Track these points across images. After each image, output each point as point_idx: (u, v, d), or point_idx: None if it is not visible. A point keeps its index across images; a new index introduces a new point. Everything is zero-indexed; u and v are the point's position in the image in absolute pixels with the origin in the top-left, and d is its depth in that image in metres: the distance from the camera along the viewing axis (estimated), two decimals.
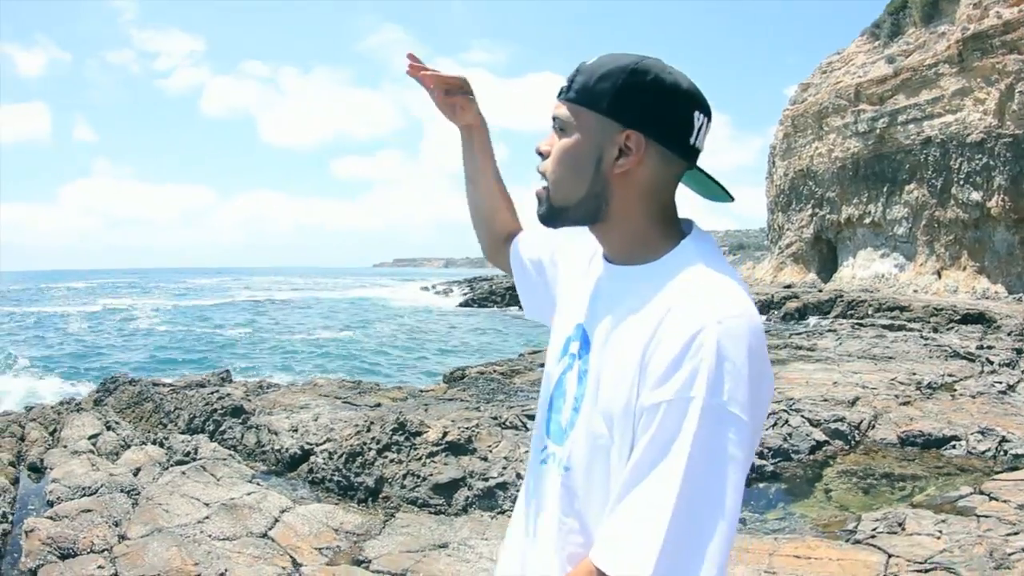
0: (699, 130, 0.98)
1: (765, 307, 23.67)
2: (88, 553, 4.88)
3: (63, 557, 4.84)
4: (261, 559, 4.66)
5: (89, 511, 5.62)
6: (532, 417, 5.98)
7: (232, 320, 31.44)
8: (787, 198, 39.57)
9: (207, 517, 5.25)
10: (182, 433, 7.61)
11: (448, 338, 24.19)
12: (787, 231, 39.78)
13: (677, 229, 1.04)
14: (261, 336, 24.93)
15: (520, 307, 1.55)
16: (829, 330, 16.83)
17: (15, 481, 6.71)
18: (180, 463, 6.43)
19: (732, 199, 1.04)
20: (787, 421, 6.72)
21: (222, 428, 7.52)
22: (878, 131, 30.59)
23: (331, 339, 24.21)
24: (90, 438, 7.54)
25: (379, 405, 7.65)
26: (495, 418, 6.27)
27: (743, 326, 0.87)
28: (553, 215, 1.07)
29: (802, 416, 6.98)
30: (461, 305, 38.94)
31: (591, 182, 1.00)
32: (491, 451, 5.56)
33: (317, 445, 6.36)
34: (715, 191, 1.05)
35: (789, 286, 31.69)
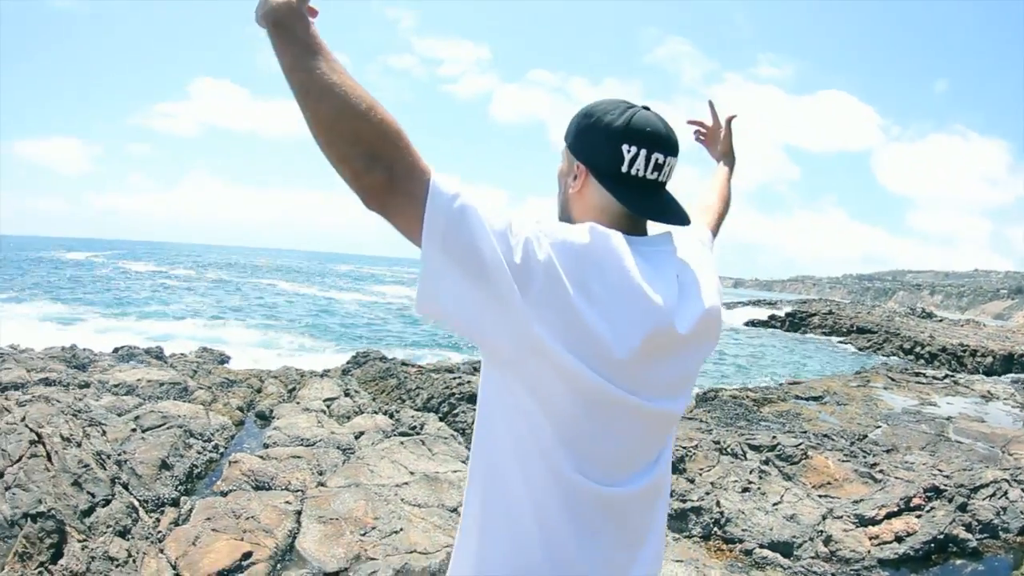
0: (631, 161, 1.19)
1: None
2: (281, 490, 5.14)
3: (256, 488, 5.17)
4: (440, 529, 4.69)
5: (298, 457, 6.02)
6: (756, 447, 5.76)
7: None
8: None
9: (406, 483, 5.44)
10: (416, 410, 8.09)
11: (723, 357, 23.20)
12: None
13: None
14: None
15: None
16: None
17: (239, 423, 7.53)
18: (403, 435, 6.83)
19: (684, 223, 1.25)
20: (1006, 493, 5.58)
21: (456, 411, 7.89)
22: None
23: None
24: (325, 400, 8.22)
25: None
26: (717, 442, 5.94)
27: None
28: None
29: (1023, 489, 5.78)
30: (747, 324, 37.60)
31: (562, 200, 1.33)
32: (700, 474, 5.35)
33: None
34: (672, 214, 1.24)
35: None
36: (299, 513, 4.68)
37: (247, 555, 3.84)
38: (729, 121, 2.04)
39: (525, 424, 1.10)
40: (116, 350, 10.02)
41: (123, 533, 3.70)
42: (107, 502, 3.84)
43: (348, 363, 11.06)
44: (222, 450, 6.35)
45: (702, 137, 2.08)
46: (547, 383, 1.05)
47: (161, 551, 3.72)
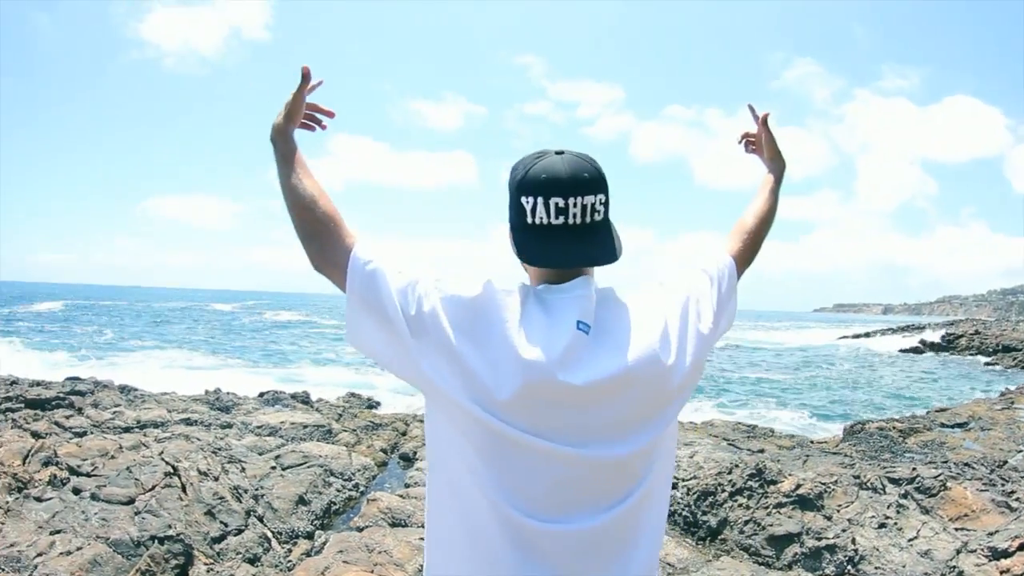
0: (532, 210, 1.21)
1: None
2: (417, 527, 5.01)
3: (392, 525, 5.06)
4: None
5: None
6: (895, 480, 5.58)
7: None
8: None
9: None
10: None
11: (873, 387, 22.71)
12: None
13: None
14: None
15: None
16: None
17: (383, 464, 7.59)
18: None
19: (599, 263, 1.26)
20: None
21: None
22: None
23: (766, 379, 24.02)
24: None
25: (762, 451, 7.44)
26: (857, 477, 5.71)
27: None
28: None
29: None
30: (901, 352, 37.25)
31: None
32: (838, 511, 5.21)
33: (683, 480, 6.36)
34: (581, 255, 1.24)
35: None
36: None
37: None
38: (764, 120, 1.80)
39: (455, 449, 1.18)
40: (261, 394, 10.46)
41: (253, 560, 3.67)
42: (239, 531, 3.84)
43: None
44: (362, 489, 6.37)
45: (752, 147, 1.89)
46: (455, 416, 1.15)
47: None
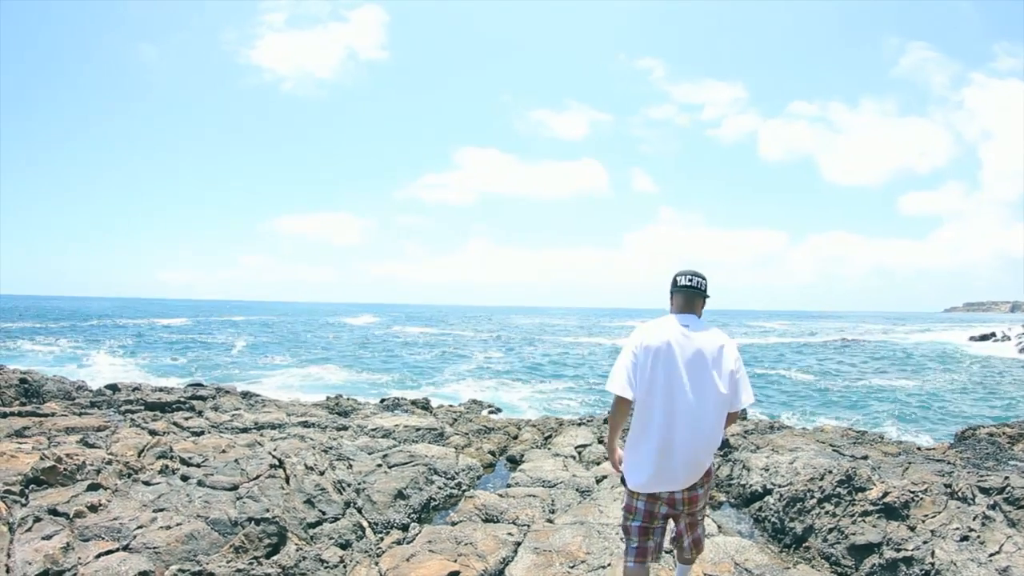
0: (675, 282, 3.50)
1: None
2: (508, 523, 5.35)
3: (485, 520, 5.45)
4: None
5: (534, 496, 6.23)
6: (986, 490, 5.41)
7: (799, 363, 31.60)
8: None
9: None
10: None
11: (994, 392, 21.52)
12: None
13: None
14: (818, 378, 24.88)
15: None
16: None
17: (490, 466, 7.98)
18: None
19: (702, 304, 3.57)
20: None
21: None
22: None
23: (871, 386, 23.05)
24: (577, 447, 8.41)
25: (865, 457, 7.32)
26: (948, 486, 5.58)
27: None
28: None
29: None
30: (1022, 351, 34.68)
31: None
32: (923, 521, 5.11)
33: (778, 486, 6.46)
34: (697, 295, 3.51)
35: None
36: (518, 544, 4.82)
37: (454, 573, 4.04)
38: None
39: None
40: (382, 401, 11.13)
41: (344, 545, 4.10)
42: (336, 519, 4.29)
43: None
44: (465, 488, 6.75)
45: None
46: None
47: (376, 563, 4.06)
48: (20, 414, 7.41)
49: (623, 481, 3.36)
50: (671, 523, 3.55)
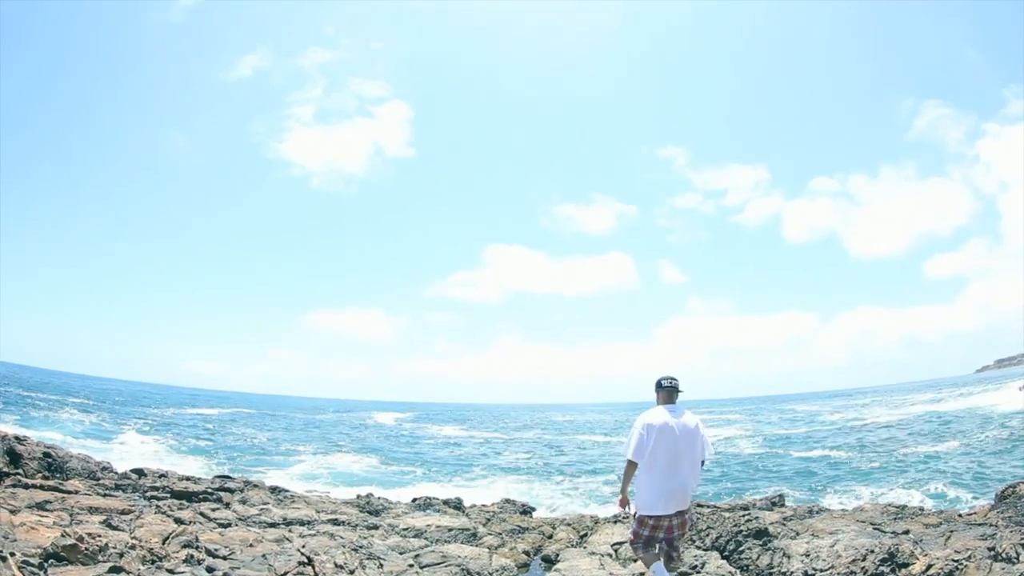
0: (659, 384, 5.80)
1: None
2: None
3: None
4: None
5: None
6: None
7: (836, 443, 30.64)
8: None
9: None
10: (701, 549, 7.84)
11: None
12: None
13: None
14: (854, 454, 24.43)
15: None
16: None
17: (524, 566, 7.65)
18: (683, 575, 6.74)
19: (678, 392, 5.88)
20: None
21: (740, 548, 7.55)
22: None
23: (909, 457, 22.33)
24: (613, 544, 8.05)
25: (907, 532, 7.28)
26: (991, 549, 5.43)
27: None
28: None
29: None
30: None
31: None
32: None
33: (820, 571, 6.25)
34: (676, 392, 5.82)
35: None
36: None
37: None
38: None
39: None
40: (414, 500, 10.83)
41: None
42: None
43: None
44: None
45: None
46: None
47: None
48: (43, 487, 7.31)
49: (631, 516, 5.60)
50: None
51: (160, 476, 10.94)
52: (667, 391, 5.66)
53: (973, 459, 20.42)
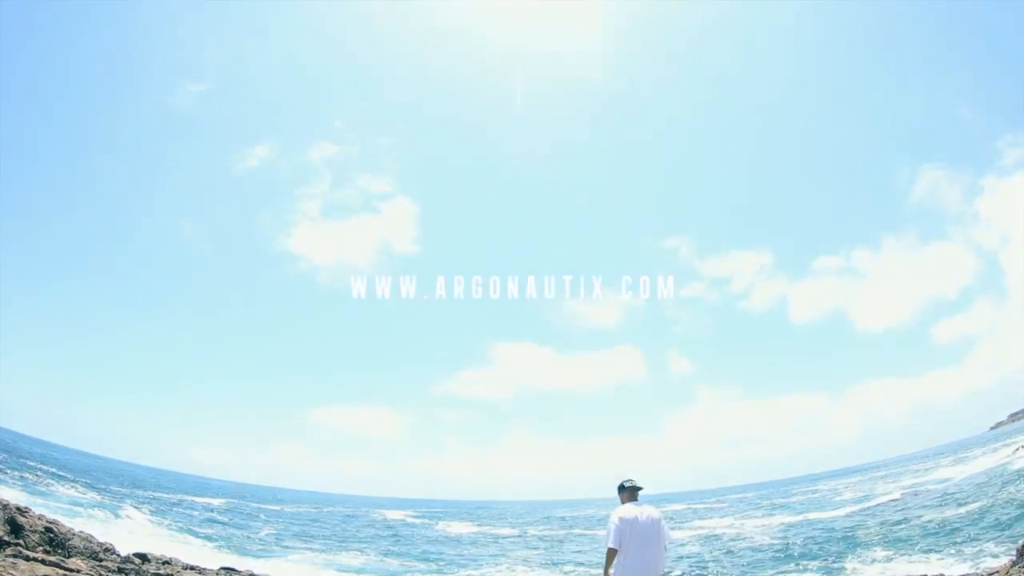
0: (622, 486, 7.34)
1: None
2: None
3: None
4: None
5: None
6: None
7: (837, 521, 30.00)
8: None
9: None
10: None
11: None
12: None
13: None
14: (864, 534, 23.97)
15: None
16: None
17: None
18: None
19: (639, 489, 7.42)
20: None
21: None
22: None
23: (928, 525, 22.31)
24: None
25: None
26: None
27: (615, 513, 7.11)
28: None
29: None
30: None
31: None
32: None
33: None
34: (637, 490, 7.35)
35: None
36: None
37: None
38: None
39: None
40: None
41: None
42: None
43: None
44: None
45: None
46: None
47: None
48: (44, 562, 7.05)
49: None
50: None
51: (164, 563, 10.60)
52: (630, 490, 7.18)
53: (990, 518, 20.30)
